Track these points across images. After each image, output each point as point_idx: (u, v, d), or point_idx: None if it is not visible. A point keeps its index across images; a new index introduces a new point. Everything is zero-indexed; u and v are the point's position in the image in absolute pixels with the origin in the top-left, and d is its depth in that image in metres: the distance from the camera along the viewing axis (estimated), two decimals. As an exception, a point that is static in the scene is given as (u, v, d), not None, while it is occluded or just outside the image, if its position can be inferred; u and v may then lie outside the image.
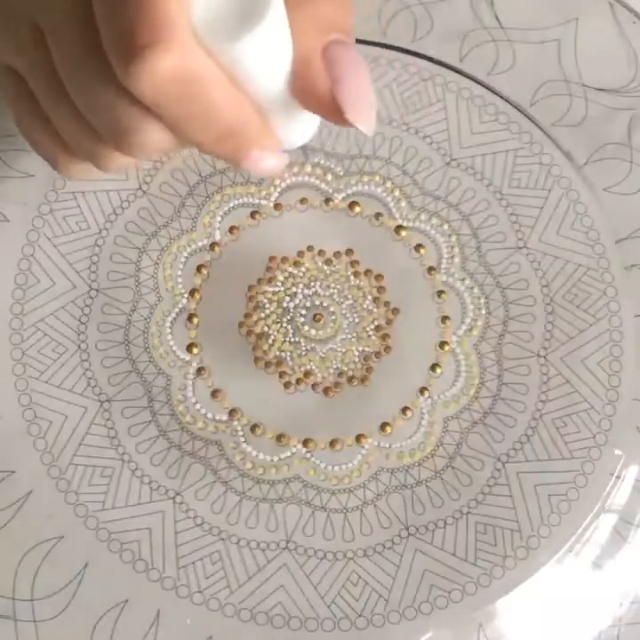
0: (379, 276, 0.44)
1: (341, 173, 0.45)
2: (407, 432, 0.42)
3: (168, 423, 0.42)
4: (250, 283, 0.44)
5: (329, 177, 0.45)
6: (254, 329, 0.43)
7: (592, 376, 0.42)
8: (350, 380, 0.43)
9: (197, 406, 0.42)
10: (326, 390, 0.42)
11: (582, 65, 0.45)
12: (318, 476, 0.42)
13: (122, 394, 0.42)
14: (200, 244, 0.44)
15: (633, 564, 0.41)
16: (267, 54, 0.30)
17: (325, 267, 0.44)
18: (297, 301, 0.43)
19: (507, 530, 0.41)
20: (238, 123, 0.31)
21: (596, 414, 0.42)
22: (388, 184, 0.45)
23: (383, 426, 0.42)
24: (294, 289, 0.44)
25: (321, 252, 0.44)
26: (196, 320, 0.43)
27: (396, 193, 0.45)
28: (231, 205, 0.45)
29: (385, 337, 0.43)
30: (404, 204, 0.45)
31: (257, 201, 0.45)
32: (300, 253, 0.44)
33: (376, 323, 0.43)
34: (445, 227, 0.44)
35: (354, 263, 0.44)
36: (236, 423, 0.42)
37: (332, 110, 0.31)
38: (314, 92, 0.31)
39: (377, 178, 0.45)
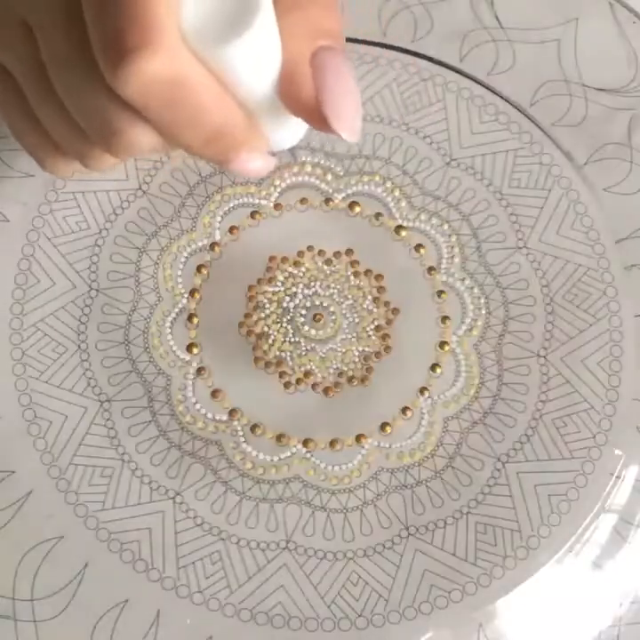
0: (379, 276, 0.44)
1: (341, 173, 0.45)
2: (407, 432, 0.42)
3: (168, 423, 0.42)
4: (250, 283, 0.44)
5: (329, 177, 0.45)
6: (254, 329, 0.43)
7: (592, 376, 0.42)
8: (350, 379, 0.43)
9: (197, 406, 0.42)
10: (326, 390, 0.42)
11: (582, 65, 0.45)
12: (318, 476, 0.42)
13: (122, 394, 0.42)
14: (200, 244, 0.44)
15: (633, 563, 0.41)
16: (255, 59, 0.30)
17: (325, 267, 0.44)
18: (297, 301, 0.43)
19: (507, 530, 0.41)
20: (226, 125, 0.31)
21: (595, 414, 0.42)
22: (388, 184, 0.45)
23: (383, 426, 0.42)
24: (294, 289, 0.44)
25: (321, 252, 0.44)
26: (196, 320, 0.43)
27: (396, 193, 0.45)
28: (231, 205, 0.45)
29: (385, 337, 0.43)
30: (403, 204, 0.45)
31: (257, 201, 0.45)
32: (300, 253, 0.44)
33: (376, 323, 0.43)
34: (445, 227, 0.44)
35: (354, 263, 0.44)
36: (235, 423, 0.42)
37: (315, 116, 0.31)
38: (299, 96, 0.31)
39: (377, 178, 0.45)
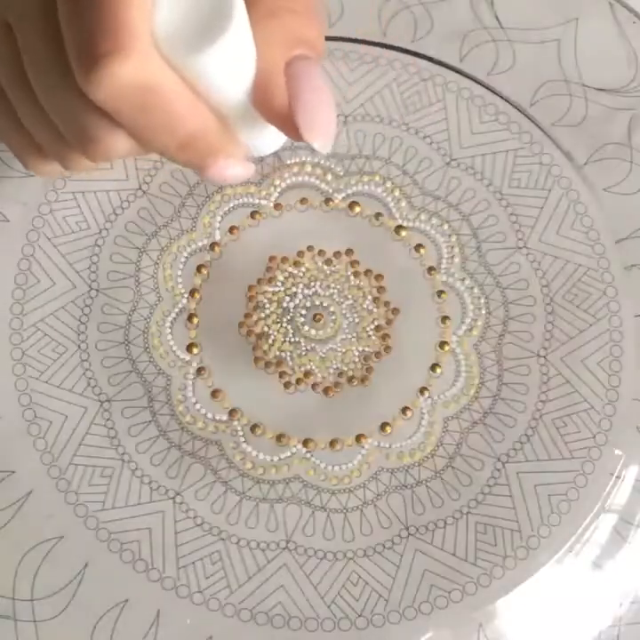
0: (379, 276, 0.44)
1: (341, 173, 0.45)
2: (407, 432, 0.42)
3: (168, 423, 0.42)
4: (250, 283, 0.44)
5: (329, 177, 0.45)
6: (254, 329, 0.43)
7: (592, 376, 0.42)
8: (350, 379, 0.43)
9: (197, 406, 0.42)
10: (326, 390, 0.42)
11: (582, 65, 0.45)
12: (318, 476, 0.42)
13: (122, 394, 0.42)
14: (200, 244, 0.44)
15: (633, 563, 0.41)
16: (228, 66, 0.30)
17: (325, 267, 0.44)
18: (297, 301, 0.43)
19: (507, 530, 0.41)
20: (200, 131, 0.31)
21: (595, 414, 0.42)
22: (388, 184, 0.45)
23: (383, 426, 0.42)
24: (294, 289, 0.44)
25: (321, 252, 0.44)
26: (196, 320, 0.43)
27: (396, 193, 0.45)
28: (231, 205, 0.45)
29: (385, 337, 0.43)
30: (403, 204, 0.45)
31: (257, 201, 0.45)
32: (300, 253, 0.44)
33: (376, 323, 0.43)
34: (445, 227, 0.44)
35: (354, 263, 0.44)
36: (235, 423, 0.42)
37: (288, 125, 0.31)
38: (272, 105, 0.31)
39: (377, 178, 0.45)
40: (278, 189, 0.45)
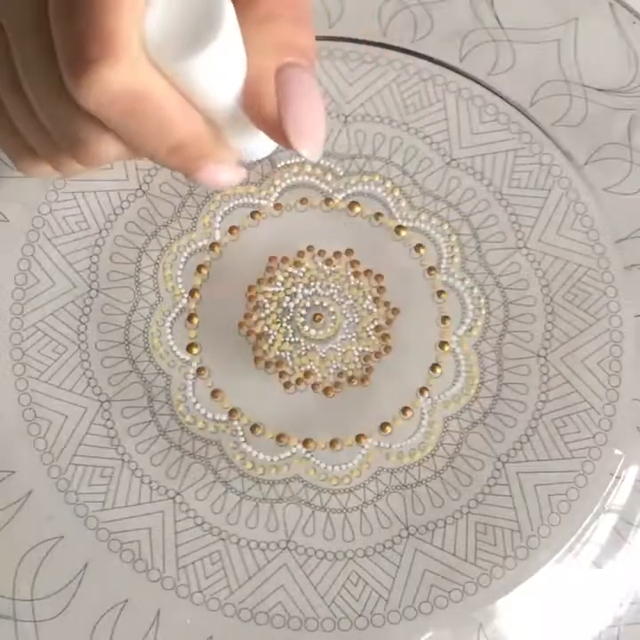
0: (379, 276, 0.44)
1: (341, 173, 0.45)
2: (407, 432, 0.42)
3: (168, 423, 0.42)
4: (250, 283, 0.44)
5: (329, 177, 0.45)
6: (254, 329, 0.43)
7: (592, 376, 0.42)
8: (350, 379, 0.43)
9: (197, 406, 0.42)
10: (326, 390, 0.42)
11: (582, 65, 0.45)
12: (318, 476, 0.42)
13: (122, 394, 0.42)
14: (200, 244, 0.44)
15: (633, 564, 0.41)
16: (219, 72, 0.30)
17: (325, 267, 0.44)
18: (297, 301, 0.43)
19: (507, 530, 0.41)
20: (190, 137, 0.31)
21: (595, 414, 0.42)
22: (388, 184, 0.45)
23: (383, 426, 0.42)
24: (294, 289, 0.44)
25: (321, 252, 0.44)
26: (195, 320, 0.43)
27: (396, 193, 0.45)
28: (231, 205, 0.45)
29: (385, 337, 0.43)
30: (403, 203, 0.45)
31: (257, 201, 0.45)
32: (300, 253, 0.44)
33: (376, 323, 0.43)
34: (445, 227, 0.44)
35: (354, 263, 0.44)
36: (235, 423, 0.42)
37: (278, 132, 0.31)
38: (262, 111, 0.31)
39: (377, 178, 0.45)
40: (278, 189, 0.45)
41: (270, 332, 0.43)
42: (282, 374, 0.43)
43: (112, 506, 0.41)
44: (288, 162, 0.45)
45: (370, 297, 0.44)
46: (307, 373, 0.43)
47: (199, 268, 0.44)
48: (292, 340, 0.43)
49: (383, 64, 0.46)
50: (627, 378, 0.42)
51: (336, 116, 0.45)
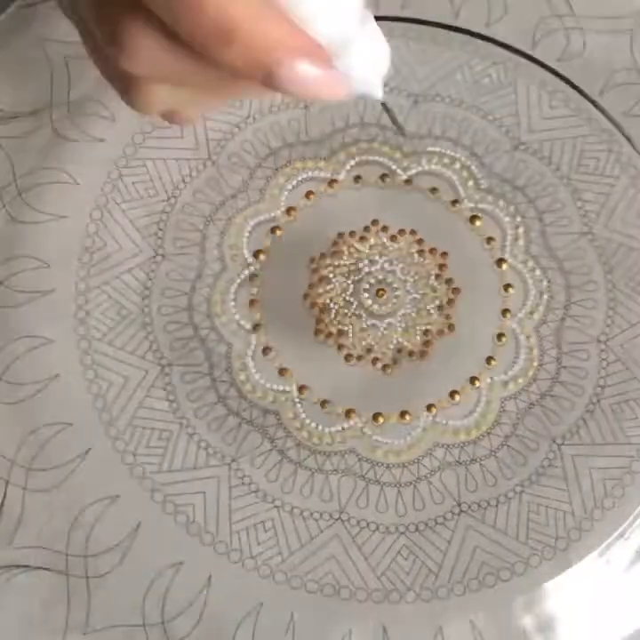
0: (443, 255, 0.44)
1: (410, 152, 0.45)
2: (464, 410, 0.42)
3: (227, 390, 0.42)
4: (314, 256, 0.44)
5: (397, 155, 0.45)
6: (317, 301, 0.43)
7: (651, 363, 0.43)
8: (410, 355, 0.43)
9: (257, 376, 0.43)
10: (385, 366, 0.43)
11: (653, 56, 0.46)
12: (373, 450, 0.42)
13: (183, 359, 0.43)
14: (266, 216, 0.45)
15: (685, 550, 0.41)
16: None
17: (390, 243, 0.44)
18: (361, 276, 0.44)
19: (559, 511, 0.41)
20: (261, 25, 0.26)
21: (653, 401, 0.42)
22: (456, 165, 0.45)
23: (439, 403, 0.42)
24: (359, 264, 0.44)
25: (385, 229, 0.44)
26: (259, 290, 0.44)
27: (464, 174, 0.45)
28: (300, 179, 0.45)
29: (446, 316, 0.43)
30: (470, 184, 0.45)
31: (325, 175, 0.45)
32: (366, 229, 0.44)
33: (438, 301, 0.44)
34: (511, 209, 0.45)
35: (419, 241, 0.44)
36: (295, 394, 0.42)
37: None
38: None
39: (445, 159, 0.45)
40: (346, 166, 0.45)
41: (332, 305, 0.43)
42: (343, 347, 0.43)
43: (168, 469, 0.41)
44: (357, 138, 0.45)
45: (433, 275, 0.44)
46: (367, 347, 0.43)
47: (264, 239, 0.44)
48: (355, 313, 0.43)
49: (455, 48, 0.46)
50: (685, 366, 0.43)
51: (406, 94, 0.46)
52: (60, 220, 0.44)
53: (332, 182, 0.45)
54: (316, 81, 0.27)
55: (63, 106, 0.45)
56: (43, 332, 0.42)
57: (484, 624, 0.40)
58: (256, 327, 0.43)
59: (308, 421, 0.42)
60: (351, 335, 0.43)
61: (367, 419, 0.42)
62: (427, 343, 0.43)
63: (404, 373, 0.43)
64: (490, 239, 0.44)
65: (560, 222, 0.44)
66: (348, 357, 0.43)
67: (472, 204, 0.45)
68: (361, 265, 0.44)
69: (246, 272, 0.44)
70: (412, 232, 0.44)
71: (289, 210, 0.45)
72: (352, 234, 0.44)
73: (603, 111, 0.45)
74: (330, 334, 0.43)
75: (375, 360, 0.43)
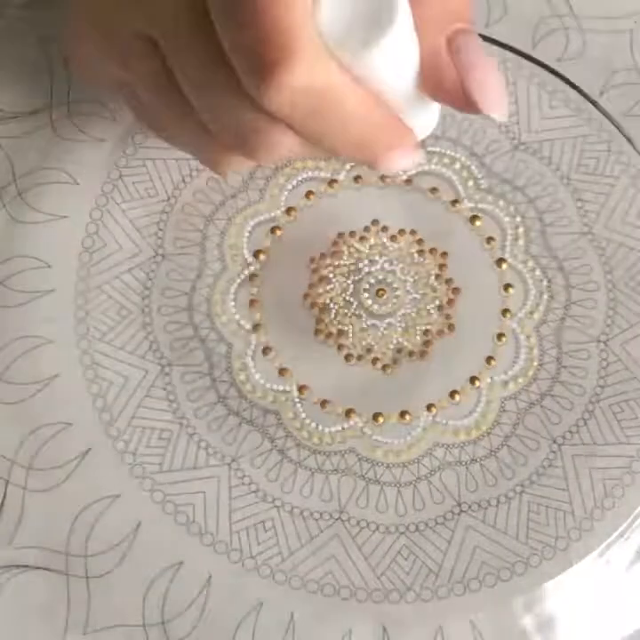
0: (442, 255, 0.44)
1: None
2: (464, 410, 0.42)
3: (227, 390, 0.42)
4: (314, 256, 0.44)
5: (397, 155, 0.45)
6: (317, 301, 0.43)
7: (651, 363, 0.43)
8: (410, 355, 0.43)
9: (257, 376, 0.43)
10: (385, 366, 0.43)
11: (653, 56, 0.46)
12: (373, 450, 0.42)
13: (183, 359, 0.43)
14: (266, 216, 0.45)
15: (685, 551, 0.41)
16: (398, 55, 0.30)
17: (390, 243, 0.44)
18: (361, 276, 0.44)
19: (560, 511, 0.41)
20: (373, 128, 0.31)
21: (653, 401, 0.42)
22: (456, 165, 0.45)
23: (439, 403, 0.42)
24: (359, 264, 0.44)
25: (385, 229, 0.44)
26: (259, 290, 0.44)
27: (464, 174, 0.45)
28: (299, 179, 0.45)
29: (446, 316, 0.43)
30: (470, 184, 0.45)
31: (325, 175, 0.45)
32: (366, 229, 0.44)
33: (438, 301, 0.44)
34: (511, 209, 0.45)
35: (419, 241, 0.44)
36: (294, 393, 0.42)
37: (462, 100, 0.31)
38: (443, 84, 0.31)
39: (445, 159, 0.45)
40: (346, 166, 0.45)
41: (332, 305, 0.43)
42: (343, 347, 0.43)
43: (169, 468, 0.41)
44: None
45: (433, 275, 0.44)
46: (367, 347, 0.43)
47: (264, 239, 0.44)
48: (355, 313, 0.43)
49: (455, 47, 0.46)
50: (685, 366, 0.43)
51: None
52: (60, 219, 0.44)
53: (331, 182, 0.45)
54: (410, 163, 0.33)
55: (63, 106, 0.44)
56: (43, 331, 0.42)
57: (484, 624, 0.40)
58: (256, 327, 0.43)
59: (307, 421, 0.42)
60: (351, 335, 0.43)
61: (367, 419, 0.42)
62: (427, 343, 0.43)
63: (404, 373, 0.43)
64: (490, 239, 0.44)
65: (560, 222, 0.44)
66: (348, 357, 0.43)
67: (472, 204, 0.45)
68: (361, 265, 0.44)
69: (246, 272, 0.44)
70: (412, 232, 0.44)
71: (289, 210, 0.45)
72: (352, 234, 0.44)
73: (603, 111, 0.45)
74: (330, 334, 0.43)
75: (375, 360, 0.43)
